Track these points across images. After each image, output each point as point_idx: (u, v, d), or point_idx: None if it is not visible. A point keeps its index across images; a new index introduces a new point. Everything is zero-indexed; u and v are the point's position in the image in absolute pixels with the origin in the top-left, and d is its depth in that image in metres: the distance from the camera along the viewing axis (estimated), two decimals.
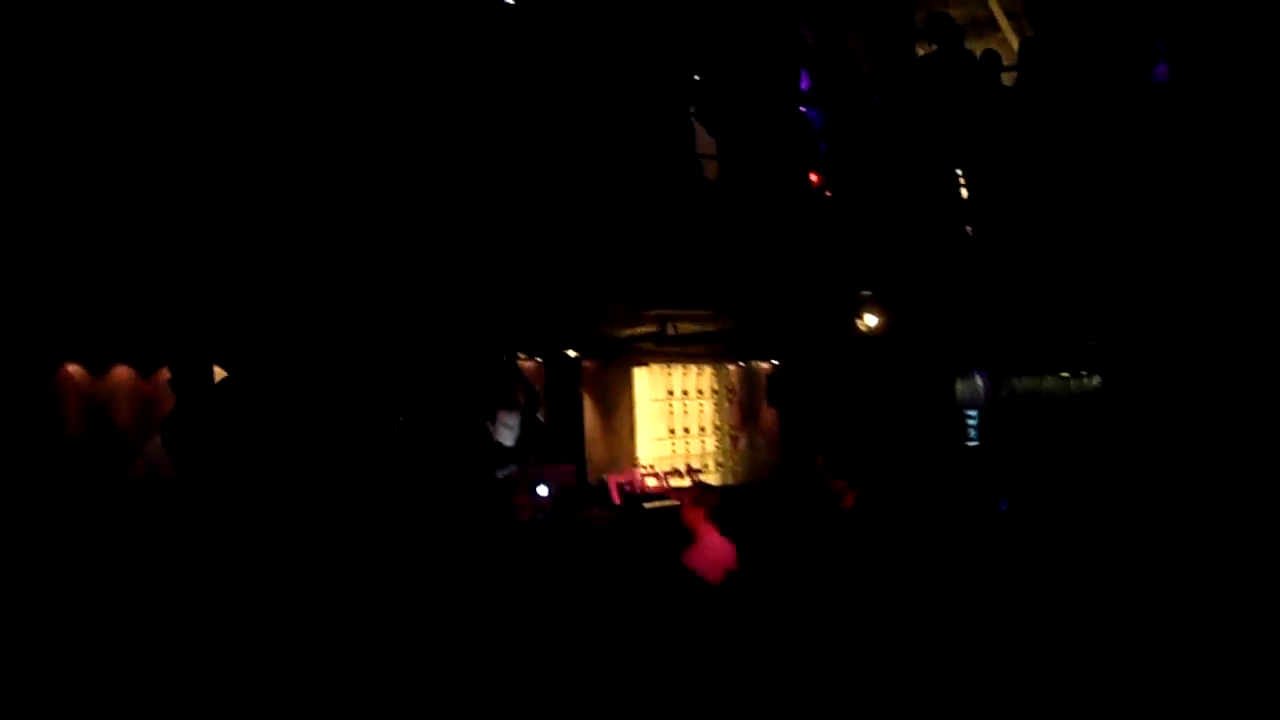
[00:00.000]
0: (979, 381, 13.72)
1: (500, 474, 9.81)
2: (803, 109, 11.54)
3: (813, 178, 11.72)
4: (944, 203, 12.07)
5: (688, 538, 8.35)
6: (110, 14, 7.75)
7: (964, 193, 12.05)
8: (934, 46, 11.73)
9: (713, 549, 8.29)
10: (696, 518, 8.66)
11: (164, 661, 5.99)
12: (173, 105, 8.10)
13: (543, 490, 10.03)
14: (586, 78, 10.20)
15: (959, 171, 11.96)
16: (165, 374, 9.94)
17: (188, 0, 8.08)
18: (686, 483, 11.00)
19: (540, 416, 10.47)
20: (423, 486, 9.53)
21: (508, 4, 10.07)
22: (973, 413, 14.30)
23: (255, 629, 6.48)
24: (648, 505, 10.06)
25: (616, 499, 10.33)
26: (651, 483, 10.69)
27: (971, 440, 14.20)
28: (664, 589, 7.39)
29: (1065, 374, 15.15)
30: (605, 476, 11.05)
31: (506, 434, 9.92)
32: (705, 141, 11.45)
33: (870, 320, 11.78)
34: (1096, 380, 15.26)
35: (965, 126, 11.74)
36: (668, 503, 10.09)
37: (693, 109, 11.24)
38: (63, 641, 6.29)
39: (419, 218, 9.58)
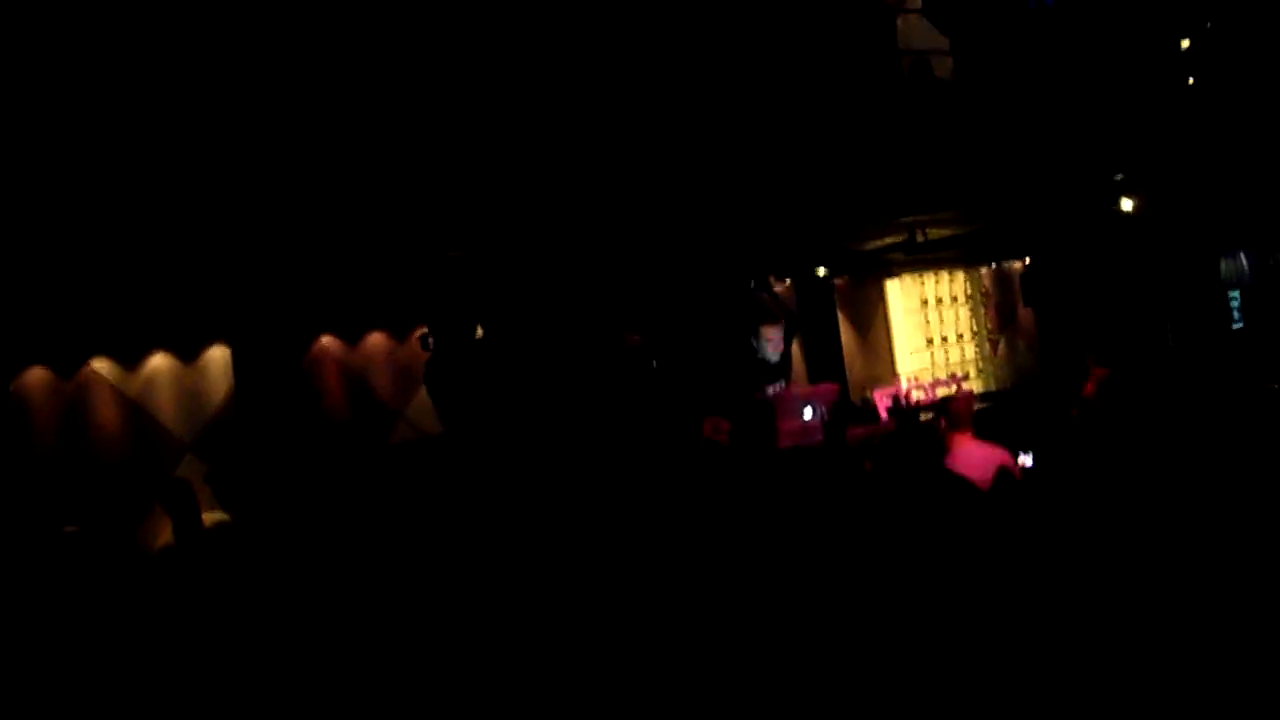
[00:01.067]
0: (1243, 259, 13.19)
1: (770, 389, 9.71)
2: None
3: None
4: (1184, 76, 11.60)
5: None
6: None
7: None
8: None
9: (971, 455, 8.10)
10: (945, 426, 8.49)
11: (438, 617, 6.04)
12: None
13: (809, 413, 9.92)
14: None
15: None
16: (418, 334, 10.12)
17: None
18: (952, 390, 10.77)
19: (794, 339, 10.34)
20: (684, 416, 9.53)
21: None
22: (1235, 293, 13.76)
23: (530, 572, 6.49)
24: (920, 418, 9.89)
25: (884, 415, 10.16)
26: (918, 395, 10.48)
27: (1236, 321, 13.65)
28: (937, 498, 7.18)
29: None
30: (868, 393, 10.90)
31: (770, 350, 9.79)
32: (936, 39, 11.20)
33: (1126, 204, 11.38)
34: None
35: None
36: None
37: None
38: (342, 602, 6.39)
39: (662, 149, 9.60)
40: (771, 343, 9.91)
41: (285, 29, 8.39)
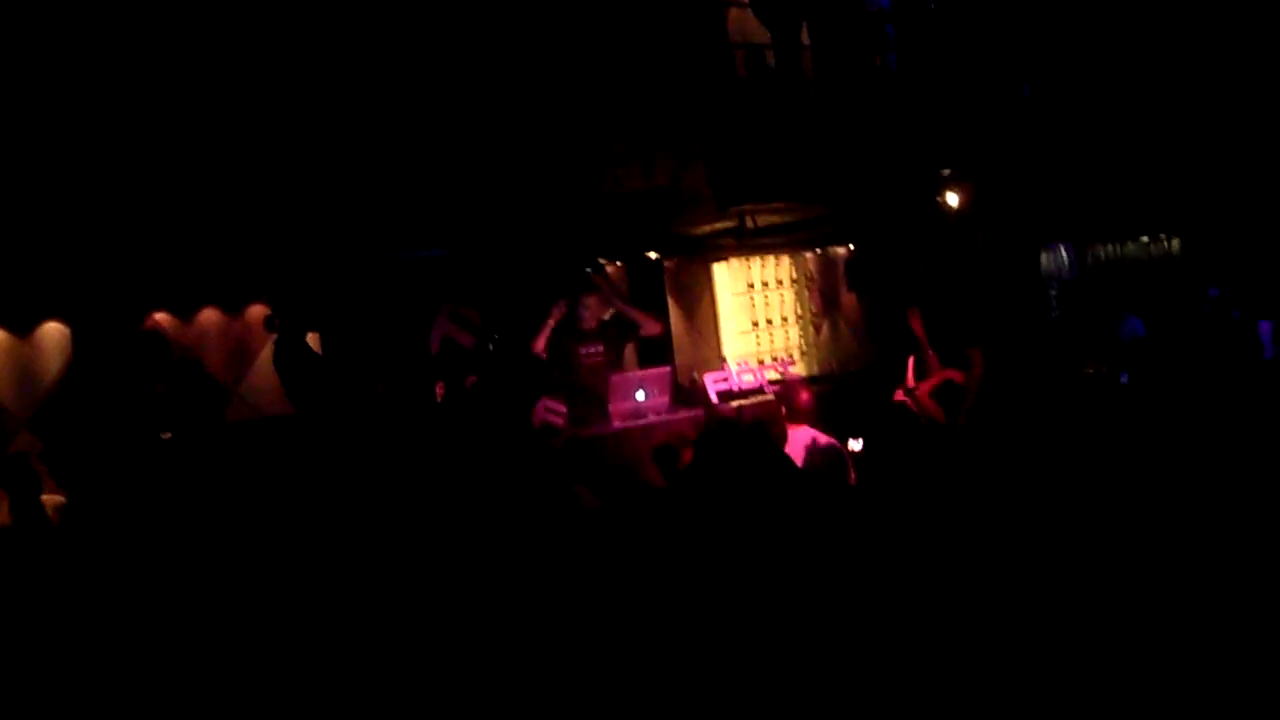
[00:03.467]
0: (1063, 252, 13.61)
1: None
2: None
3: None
4: (1016, 75, 11.93)
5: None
6: None
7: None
8: None
9: (804, 442, 8.25)
10: (788, 416, 8.61)
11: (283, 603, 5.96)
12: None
13: (641, 395, 9.98)
14: None
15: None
16: (254, 311, 9.94)
17: None
18: (780, 375, 10.93)
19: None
20: (520, 396, 9.55)
21: None
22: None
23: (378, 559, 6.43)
24: (746, 402, 10.01)
25: (714, 399, 10.26)
26: (748, 379, 10.59)
27: (1053, 311, 14.12)
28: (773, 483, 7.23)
29: (1146, 239, 15.03)
30: (696, 376, 10.98)
31: (588, 318, 10.02)
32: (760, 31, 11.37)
33: (951, 199, 11.66)
34: (1177, 243, 15.15)
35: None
36: (765, 397, 10.05)
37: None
38: (182, 577, 6.28)
39: (508, 132, 9.60)
40: (590, 311, 10.06)
41: None
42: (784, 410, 8.68)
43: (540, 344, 9.86)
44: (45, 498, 7.72)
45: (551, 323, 9.91)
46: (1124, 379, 10.38)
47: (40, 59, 8.23)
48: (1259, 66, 12.95)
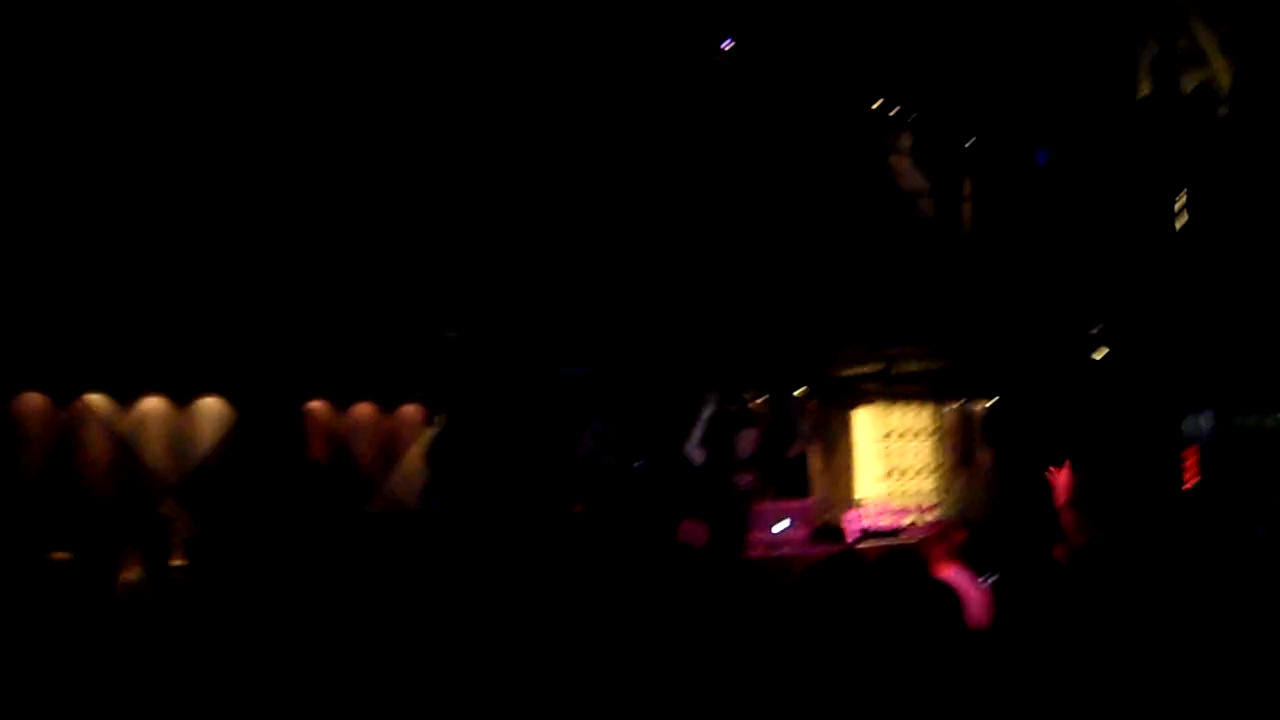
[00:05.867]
0: (1205, 417, 13.50)
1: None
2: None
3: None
4: (1166, 237, 12.00)
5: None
6: None
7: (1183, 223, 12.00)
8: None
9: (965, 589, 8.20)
10: (939, 557, 8.59)
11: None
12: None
13: (781, 525, 10.07)
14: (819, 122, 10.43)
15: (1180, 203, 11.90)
16: (407, 410, 10.21)
17: None
18: (914, 519, 10.98)
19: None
20: (661, 515, 9.65)
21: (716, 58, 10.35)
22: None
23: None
24: (883, 543, 10.05)
25: (850, 537, 10.33)
26: (886, 521, 10.66)
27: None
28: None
29: None
30: (835, 516, 11.07)
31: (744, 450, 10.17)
32: (917, 180, 11.59)
33: (1099, 353, 11.70)
34: None
35: (1185, 159, 11.67)
36: (899, 540, 10.08)
37: (907, 147, 11.40)
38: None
39: (670, 265, 9.87)
40: (744, 443, 10.22)
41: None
42: (937, 549, 8.68)
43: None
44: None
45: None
46: (1260, 532, 10.24)
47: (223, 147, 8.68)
48: None
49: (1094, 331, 11.56)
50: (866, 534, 10.29)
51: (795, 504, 10.46)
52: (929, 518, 11.77)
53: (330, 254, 9.11)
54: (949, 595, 6.84)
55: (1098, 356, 11.65)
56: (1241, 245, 12.58)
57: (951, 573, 8.34)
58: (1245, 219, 12.63)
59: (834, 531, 10.70)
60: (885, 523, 10.65)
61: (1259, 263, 12.59)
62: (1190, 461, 11.86)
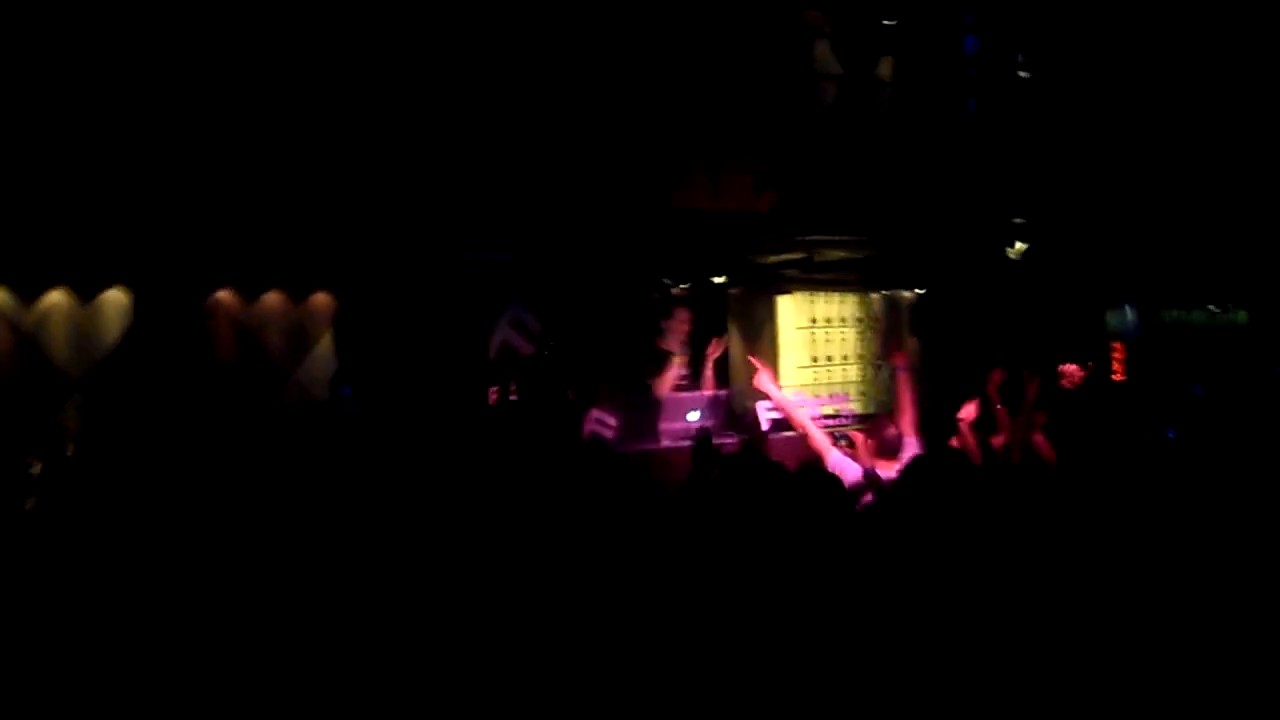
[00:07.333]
0: (1129, 314, 13.53)
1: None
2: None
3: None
4: (1094, 132, 11.90)
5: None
6: None
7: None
8: None
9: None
10: (868, 449, 8.60)
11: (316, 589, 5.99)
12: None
13: (694, 416, 10.02)
14: None
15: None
16: (318, 299, 10.07)
17: None
18: (832, 409, 10.97)
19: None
20: (573, 406, 9.61)
21: None
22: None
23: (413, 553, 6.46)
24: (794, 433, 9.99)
25: (766, 427, 10.29)
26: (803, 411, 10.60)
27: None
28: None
29: (1213, 308, 14.93)
30: (749, 403, 11.01)
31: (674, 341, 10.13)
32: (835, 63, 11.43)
33: (1018, 247, 11.64)
34: (1244, 315, 15.02)
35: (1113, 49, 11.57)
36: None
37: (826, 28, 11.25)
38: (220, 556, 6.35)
39: (581, 142, 9.69)
40: (676, 334, 10.17)
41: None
42: (870, 444, 8.66)
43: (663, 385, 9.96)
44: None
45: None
46: (1170, 434, 10.30)
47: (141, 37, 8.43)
48: None
49: (1017, 221, 11.48)
50: (782, 424, 10.22)
51: (706, 394, 10.40)
52: (848, 407, 11.78)
53: (235, 136, 8.88)
54: (837, 485, 6.83)
55: (1015, 251, 11.59)
56: (1174, 139, 12.52)
57: (878, 465, 8.36)
58: (1179, 113, 12.55)
59: (747, 421, 10.66)
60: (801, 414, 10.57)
61: (1187, 157, 12.54)
62: (1118, 357, 11.91)
